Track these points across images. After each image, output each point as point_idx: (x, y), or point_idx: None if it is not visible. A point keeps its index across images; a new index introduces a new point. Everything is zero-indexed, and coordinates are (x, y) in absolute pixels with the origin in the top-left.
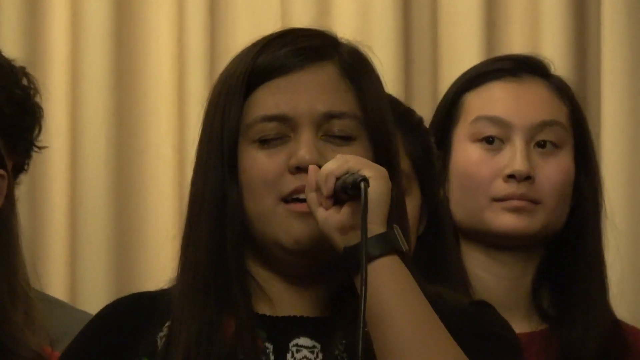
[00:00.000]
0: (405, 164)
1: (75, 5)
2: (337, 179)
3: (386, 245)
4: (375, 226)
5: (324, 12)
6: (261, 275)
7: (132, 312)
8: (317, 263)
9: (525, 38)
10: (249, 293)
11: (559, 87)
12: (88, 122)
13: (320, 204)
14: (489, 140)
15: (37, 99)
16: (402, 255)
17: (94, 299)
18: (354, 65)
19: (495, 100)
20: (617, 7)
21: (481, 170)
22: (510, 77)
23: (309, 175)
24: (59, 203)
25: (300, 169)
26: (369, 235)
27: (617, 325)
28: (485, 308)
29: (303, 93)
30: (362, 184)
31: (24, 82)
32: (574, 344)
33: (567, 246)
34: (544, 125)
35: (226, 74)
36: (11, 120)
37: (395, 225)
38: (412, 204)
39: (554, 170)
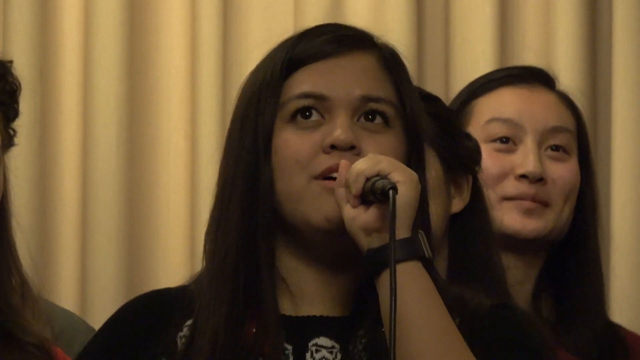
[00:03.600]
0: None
1: None
2: (367, 179)
3: (410, 250)
4: (401, 231)
5: (337, 4)
6: (286, 264)
7: (151, 311)
8: (346, 246)
9: (537, 31)
10: (275, 289)
11: (566, 99)
12: (100, 111)
13: (348, 201)
14: (502, 140)
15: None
16: (425, 261)
17: (104, 290)
18: (393, 59)
19: (508, 103)
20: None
21: (491, 169)
22: (521, 83)
23: (339, 170)
24: (70, 193)
25: (334, 148)
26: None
27: (615, 329)
28: (506, 312)
29: (341, 76)
30: (391, 192)
31: (9, 77)
32: (572, 350)
33: (567, 253)
34: (555, 130)
35: (263, 64)
36: (4, 108)
37: (420, 230)
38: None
39: (565, 174)
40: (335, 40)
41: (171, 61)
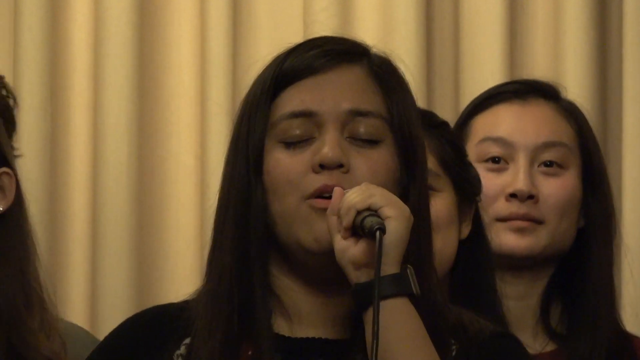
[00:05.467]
0: (430, 162)
1: (97, 13)
2: (358, 212)
3: (398, 287)
4: (389, 267)
5: (346, 22)
6: (282, 284)
7: (151, 327)
8: (338, 271)
9: (547, 51)
10: (270, 310)
11: (566, 109)
12: (110, 130)
13: (339, 231)
14: (495, 160)
15: (15, 110)
16: (413, 298)
17: (114, 307)
18: (383, 70)
19: (500, 121)
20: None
21: (485, 190)
22: (515, 99)
23: (333, 197)
24: (79, 211)
25: (324, 167)
26: (382, 274)
27: (627, 338)
28: (505, 341)
29: (329, 91)
30: (378, 234)
31: (3, 92)
32: None
33: (576, 267)
34: (547, 145)
35: (254, 83)
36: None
37: (409, 265)
38: (442, 202)
39: (557, 190)
40: (322, 55)
41: (180, 81)
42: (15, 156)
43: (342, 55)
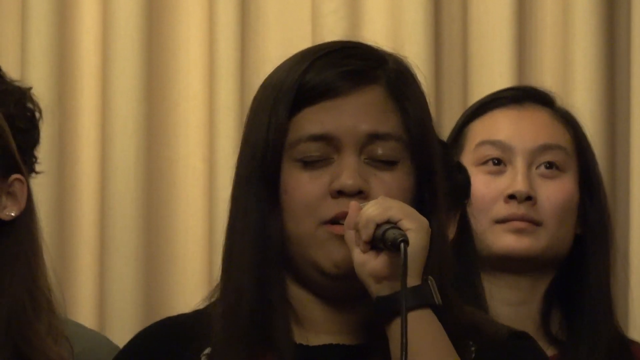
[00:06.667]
0: None
1: (105, 16)
2: (378, 225)
3: (420, 298)
4: (411, 279)
5: (355, 25)
6: (298, 297)
7: (166, 339)
8: (356, 287)
9: (555, 53)
10: (289, 323)
11: (562, 115)
12: (118, 134)
13: (358, 245)
14: (493, 162)
15: (41, 122)
16: (435, 308)
17: (122, 311)
18: (400, 86)
19: (498, 125)
20: None
21: (483, 193)
22: (512, 104)
23: (349, 213)
24: (88, 214)
25: (342, 193)
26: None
27: (626, 343)
28: (524, 342)
29: (348, 114)
30: (402, 246)
31: (29, 105)
32: None
33: (575, 272)
34: (545, 148)
35: (270, 88)
36: (24, 135)
37: (430, 277)
38: None
39: (555, 192)
40: (344, 76)
41: (189, 84)
42: (36, 171)
43: (361, 75)
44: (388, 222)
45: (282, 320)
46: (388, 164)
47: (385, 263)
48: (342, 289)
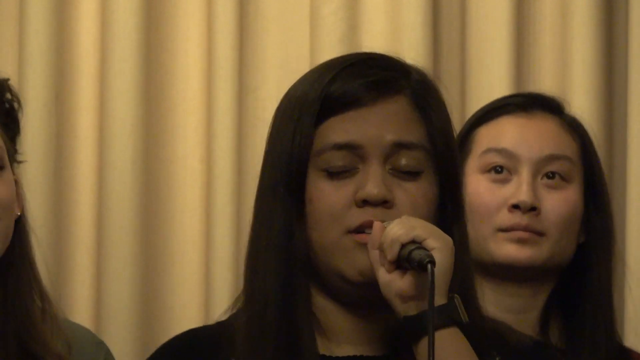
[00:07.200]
0: None
1: (103, 18)
2: (402, 245)
3: (447, 317)
4: (437, 297)
5: (354, 27)
6: (323, 308)
7: (189, 353)
8: (379, 295)
9: (554, 57)
10: (313, 333)
11: (570, 124)
12: (115, 135)
13: (383, 265)
14: (497, 170)
15: (20, 113)
16: (462, 326)
17: (119, 311)
18: (425, 97)
19: (504, 133)
20: None
21: (487, 201)
22: (520, 111)
23: (373, 232)
24: (85, 215)
25: (367, 202)
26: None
27: (625, 352)
28: (548, 350)
29: (374, 123)
30: (430, 267)
31: (7, 95)
32: None
33: (576, 281)
34: (551, 158)
35: (295, 99)
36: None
37: (456, 295)
38: None
39: (560, 203)
40: (369, 87)
41: (187, 85)
42: (19, 161)
43: (386, 86)
44: (413, 241)
45: (306, 330)
46: (412, 174)
47: (412, 283)
48: (366, 298)
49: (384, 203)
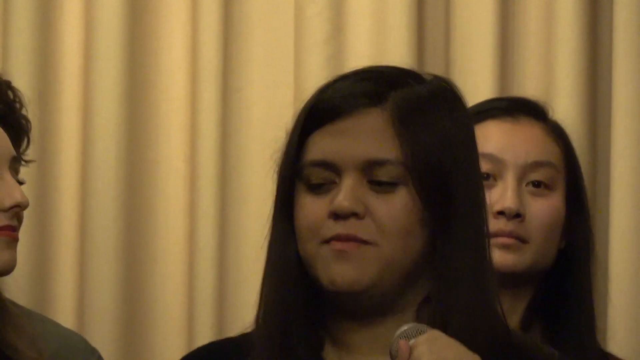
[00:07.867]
0: None
1: (87, 17)
2: None
3: None
4: None
5: (339, 28)
6: (333, 317)
7: None
8: (372, 302)
9: (538, 60)
10: (315, 343)
11: (554, 129)
12: (99, 134)
13: None
14: (483, 177)
15: (24, 112)
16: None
17: (102, 310)
18: (413, 110)
19: (490, 138)
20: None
21: None
22: (505, 116)
23: (400, 354)
24: (68, 215)
25: (338, 217)
26: None
27: (606, 357)
28: None
29: (347, 140)
30: None
31: (10, 95)
32: None
33: (557, 285)
34: (536, 165)
35: (301, 109)
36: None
37: None
38: None
39: (544, 211)
40: (347, 98)
41: (171, 85)
42: (27, 161)
43: (364, 98)
44: None
45: (307, 341)
46: (390, 185)
47: None
48: (357, 305)
49: (354, 215)
